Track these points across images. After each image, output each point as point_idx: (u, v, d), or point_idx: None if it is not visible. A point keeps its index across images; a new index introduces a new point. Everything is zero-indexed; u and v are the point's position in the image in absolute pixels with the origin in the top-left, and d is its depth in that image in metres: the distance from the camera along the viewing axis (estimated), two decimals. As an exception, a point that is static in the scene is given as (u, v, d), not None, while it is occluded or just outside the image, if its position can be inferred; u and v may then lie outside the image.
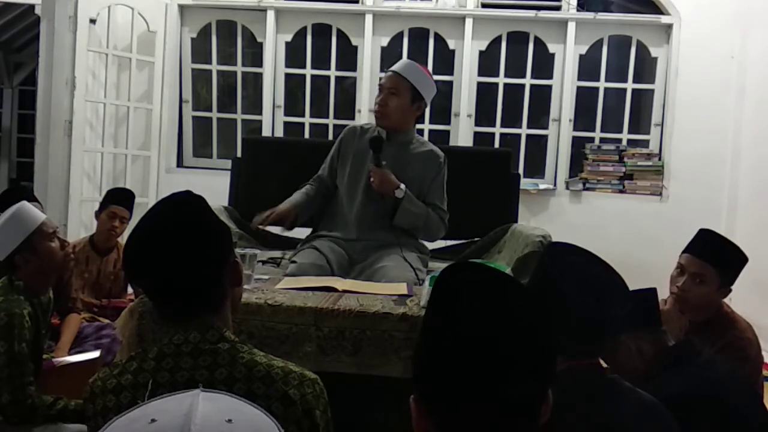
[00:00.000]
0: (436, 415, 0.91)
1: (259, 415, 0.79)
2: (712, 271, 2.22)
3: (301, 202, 2.92)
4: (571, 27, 4.91)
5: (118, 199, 3.56)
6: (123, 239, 3.58)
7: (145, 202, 4.64)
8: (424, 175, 2.91)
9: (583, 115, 5.06)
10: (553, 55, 5.00)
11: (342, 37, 5.10)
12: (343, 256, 2.81)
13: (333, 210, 2.99)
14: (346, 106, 5.20)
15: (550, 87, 5.03)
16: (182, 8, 5.12)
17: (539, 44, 5.01)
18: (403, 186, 2.78)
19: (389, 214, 2.83)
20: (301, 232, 3.29)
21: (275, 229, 3.02)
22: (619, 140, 5.03)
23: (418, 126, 4.93)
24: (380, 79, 2.96)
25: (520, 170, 4.91)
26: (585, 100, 5.05)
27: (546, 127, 5.08)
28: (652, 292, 1.93)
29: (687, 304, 2.26)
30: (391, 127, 2.89)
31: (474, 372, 0.88)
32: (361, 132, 2.99)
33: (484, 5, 5.01)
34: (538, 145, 5.13)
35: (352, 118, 5.04)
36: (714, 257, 2.24)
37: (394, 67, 2.90)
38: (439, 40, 5.05)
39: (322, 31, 5.13)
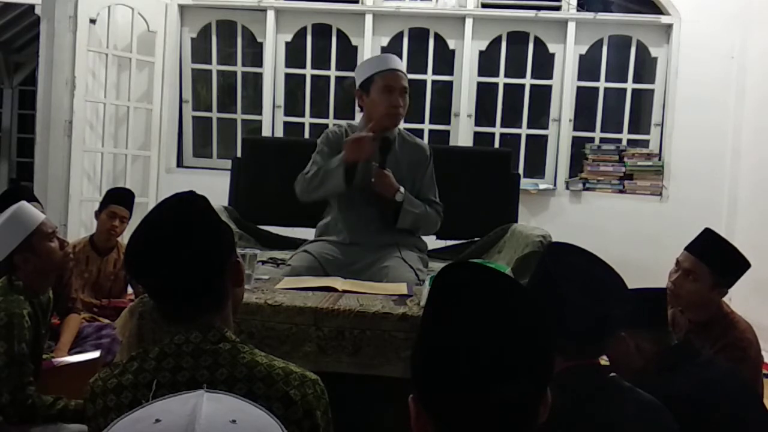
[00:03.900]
0: (434, 415, 0.91)
1: (263, 416, 0.79)
2: (705, 270, 2.24)
3: None
4: (571, 27, 4.91)
5: (118, 198, 3.56)
6: (123, 239, 3.58)
7: (145, 202, 4.65)
8: (415, 171, 2.90)
9: (583, 115, 5.06)
10: (553, 55, 5.00)
11: (342, 37, 5.10)
12: (341, 259, 2.78)
13: (328, 215, 2.96)
14: (346, 106, 5.19)
15: (550, 87, 5.03)
16: (182, 8, 5.12)
17: (539, 44, 5.01)
18: (402, 189, 2.77)
19: (392, 216, 2.80)
20: (303, 233, 3.29)
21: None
22: (619, 140, 5.03)
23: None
24: (385, 78, 2.74)
25: (520, 170, 4.91)
26: (585, 100, 5.05)
27: (546, 127, 5.08)
28: (662, 292, 1.94)
29: (678, 300, 2.29)
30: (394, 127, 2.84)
31: (472, 372, 0.88)
32: (346, 134, 2.89)
33: (484, 5, 5.01)
34: (538, 145, 5.13)
35: (353, 117, 5.02)
36: (709, 256, 2.26)
37: (395, 65, 2.80)
38: (439, 40, 5.05)
39: (322, 31, 5.13)
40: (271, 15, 5.04)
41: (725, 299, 2.35)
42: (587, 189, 4.92)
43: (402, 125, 2.94)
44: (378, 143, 2.76)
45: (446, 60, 5.07)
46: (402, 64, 2.88)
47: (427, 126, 5.08)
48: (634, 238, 4.69)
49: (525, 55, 5.03)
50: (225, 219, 3.02)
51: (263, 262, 2.85)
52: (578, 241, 1.63)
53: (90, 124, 4.73)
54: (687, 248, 2.33)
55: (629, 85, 5.01)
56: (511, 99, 5.07)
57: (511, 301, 0.94)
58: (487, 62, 5.05)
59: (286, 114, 5.22)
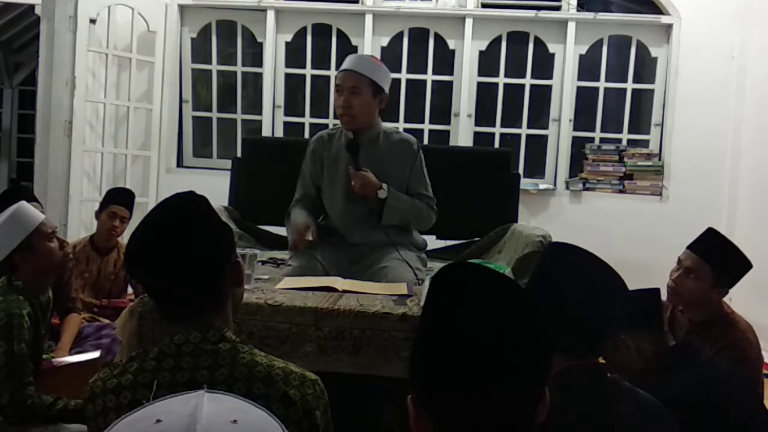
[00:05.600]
0: (433, 415, 0.91)
1: (264, 416, 0.79)
2: (706, 268, 2.24)
3: (309, 217, 2.84)
4: (571, 27, 4.91)
5: (118, 198, 3.56)
6: (123, 239, 3.58)
7: (145, 202, 4.65)
8: (402, 166, 2.85)
9: (583, 115, 5.06)
10: (553, 55, 5.00)
11: (342, 37, 5.10)
12: (340, 259, 2.78)
13: (322, 221, 2.97)
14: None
15: (550, 87, 5.03)
16: (182, 8, 5.12)
17: (539, 44, 5.01)
18: (385, 186, 2.74)
19: (376, 214, 2.78)
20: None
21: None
22: (619, 140, 5.03)
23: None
24: (336, 80, 2.79)
25: (520, 170, 4.91)
26: (585, 100, 5.05)
27: (546, 127, 5.08)
28: (655, 292, 1.94)
29: (679, 298, 2.30)
30: (359, 128, 2.79)
31: (470, 372, 0.88)
32: (328, 138, 2.92)
33: (484, 5, 5.01)
34: (538, 145, 5.13)
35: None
36: (710, 255, 2.26)
37: (349, 65, 2.78)
38: (439, 40, 5.05)
39: (322, 31, 5.13)
40: (271, 15, 5.04)
41: (725, 299, 2.35)
42: (587, 189, 4.92)
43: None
44: (345, 147, 2.79)
45: (446, 60, 5.07)
46: (358, 63, 2.79)
47: (427, 126, 5.07)
48: (634, 238, 4.69)
49: (525, 55, 5.03)
50: (225, 219, 3.03)
51: (263, 262, 2.85)
52: (578, 241, 1.62)
53: (90, 124, 4.73)
54: (689, 247, 2.32)
55: (629, 85, 5.01)
56: (511, 99, 5.07)
57: (509, 301, 0.94)
58: (487, 62, 5.05)
59: (286, 114, 5.22)
